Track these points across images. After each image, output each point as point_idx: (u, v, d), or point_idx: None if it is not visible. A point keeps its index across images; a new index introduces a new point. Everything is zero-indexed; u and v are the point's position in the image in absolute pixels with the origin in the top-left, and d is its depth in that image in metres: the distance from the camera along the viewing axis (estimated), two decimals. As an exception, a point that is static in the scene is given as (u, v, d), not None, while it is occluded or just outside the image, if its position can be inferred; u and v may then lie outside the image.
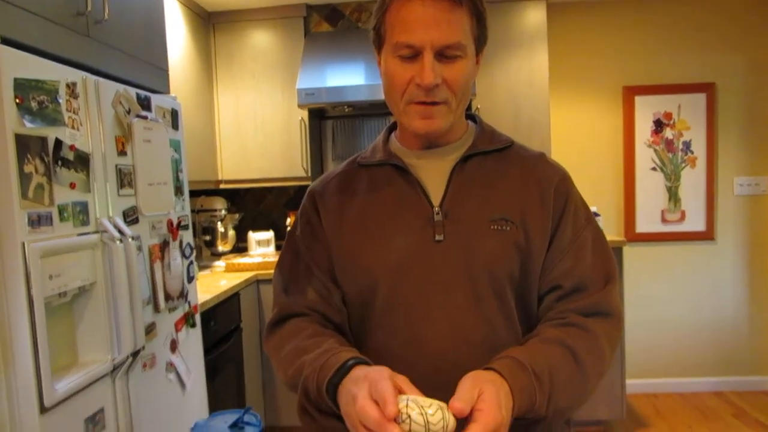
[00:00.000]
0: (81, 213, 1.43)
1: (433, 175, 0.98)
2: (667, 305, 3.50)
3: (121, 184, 1.62)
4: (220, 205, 3.44)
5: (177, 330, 1.89)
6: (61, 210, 1.36)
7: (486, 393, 0.70)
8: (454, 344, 0.91)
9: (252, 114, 3.37)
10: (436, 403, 0.69)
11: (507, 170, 0.98)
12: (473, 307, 0.91)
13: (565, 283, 0.91)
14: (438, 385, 0.90)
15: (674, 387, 3.49)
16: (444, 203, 0.95)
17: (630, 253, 3.43)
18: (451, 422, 0.67)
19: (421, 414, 0.66)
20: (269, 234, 3.54)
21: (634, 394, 3.40)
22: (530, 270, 0.93)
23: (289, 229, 1.06)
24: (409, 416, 0.66)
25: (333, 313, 0.96)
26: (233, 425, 0.56)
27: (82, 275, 1.42)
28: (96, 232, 1.48)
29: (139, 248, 1.66)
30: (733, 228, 3.46)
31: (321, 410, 0.81)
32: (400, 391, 0.71)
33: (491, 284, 0.91)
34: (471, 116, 1.06)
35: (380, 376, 0.71)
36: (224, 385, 2.67)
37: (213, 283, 2.90)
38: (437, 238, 0.93)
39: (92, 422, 1.39)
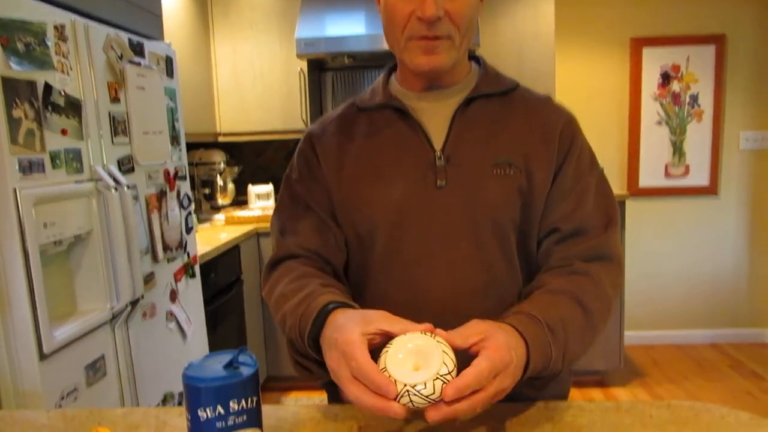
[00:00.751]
0: (74, 160, 1.40)
1: (435, 118, 0.95)
2: (667, 260, 3.50)
3: (115, 132, 1.58)
4: (218, 158, 3.40)
5: (176, 280, 1.89)
6: (53, 157, 1.33)
7: (493, 336, 0.68)
8: (455, 292, 0.89)
9: (250, 65, 3.30)
10: (426, 371, 0.61)
11: (511, 113, 0.94)
12: (475, 254, 0.89)
13: (564, 227, 0.89)
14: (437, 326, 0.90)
15: (671, 339, 3.53)
16: (446, 148, 0.92)
17: (632, 207, 3.41)
18: (438, 389, 0.61)
19: (415, 394, 0.60)
20: (269, 187, 3.52)
21: (631, 346, 3.44)
22: (532, 215, 0.90)
23: (285, 174, 1.02)
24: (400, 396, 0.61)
25: (330, 253, 0.94)
26: (228, 365, 0.55)
27: (78, 224, 1.41)
28: (90, 180, 1.46)
29: (136, 198, 1.64)
30: (737, 183, 3.43)
31: (314, 360, 0.80)
32: (374, 342, 0.66)
33: (494, 231, 0.89)
34: (474, 57, 1.02)
35: (351, 343, 0.63)
36: (225, 335, 2.70)
37: (213, 235, 2.89)
38: (439, 183, 0.90)
39: (92, 369, 1.40)
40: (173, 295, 1.86)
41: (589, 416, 0.84)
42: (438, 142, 0.92)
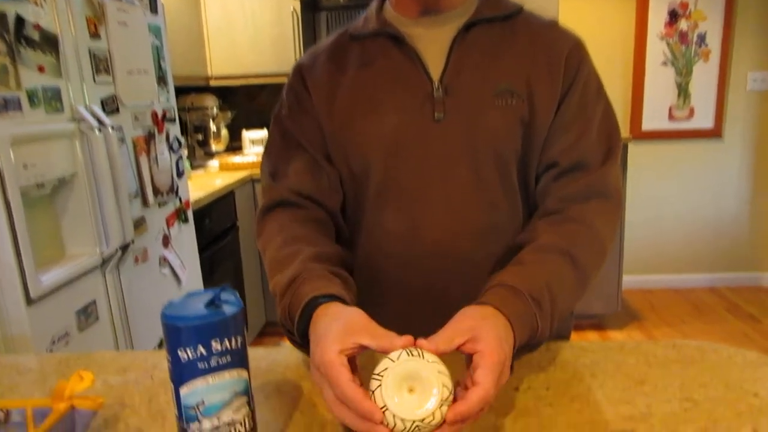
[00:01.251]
0: (53, 99, 1.33)
1: (433, 46, 0.88)
2: (668, 204, 3.46)
3: (97, 70, 1.50)
4: (211, 102, 3.30)
5: (169, 225, 1.85)
6: (31, 95, 1.26)
7: (482, 332, 0.61)
8: (453, 230, 0.85)
9: (240, 5, 3.16)
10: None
11: (514, 39, 0.87)
12: (474, 189, 0.84)
13: (564, 161, 0.84)
14: (434, 270, 0.86)
15: (670, 283, 3.53)
16: (444, 77, 0.85)
17: (635, 151, 3.34)
18: (438, 416, 0.55)
19: (424, 428, 0.55)
20: (263, 132, 3.44)
21: (629, 290, 3.45)
22: (534, 147, 0.85)
23: (275, 112, 0.96)
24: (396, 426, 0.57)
25: (325, 196, 0.88)
26: (209, 303, 0.51)
27: (61, 166, 1.35)
28: (72, 120, 1.39)
29: (122, 140, 1.57)
30: (743, 125, 3.35)
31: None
32: (353, 354, 0.60)
33: (495, 164, 0.84)
34: (474, -19, 0.94)
35: (332, 366, 0.57)
36: (222, 281, 2.68)
37: (207, 182, 2.83)
38: (437, 116, 0.84)
39: (84, 314, 1.37)
40: (166, 240, 1.82)
41: (591, 356, 0.81)
42: (436, 71, 0.86)
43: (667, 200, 3.46)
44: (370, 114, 0.87)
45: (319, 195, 0.88)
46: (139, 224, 1.65)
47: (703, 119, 3.34)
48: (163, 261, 1.80)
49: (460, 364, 0.61)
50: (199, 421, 0.51)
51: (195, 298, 0.55)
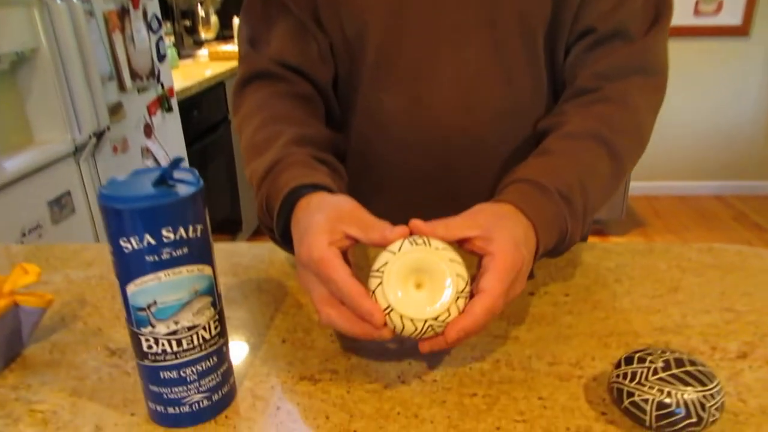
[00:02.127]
0: (5, -42, 1.15)
1: None
2: (682, 107, 3.29)
3: (57, -72, 1.30)
4: (198, -17, 3.04)
5: (151, 114, 1.71)
6: (-24, -50, 1.08)
7: (496, 231, 0.50)
8: (465, 110, 0.72)
9: None
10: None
11: None
12: (492, 62, 0.71)
13: (601, 27, 0.68)
14: (442, 158, 0.74)
15: (675, 190, 3.44)
16: None
17: (652, 48, 3.12)
18: (454, 312, 0.46)
19: (439, 326, 0.46)
20: (256, 20, 3.19)
21: (633, 196, 3.36)
22: (566, 10, 0.70)
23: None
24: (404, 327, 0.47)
25: (313, 67, 0.74)
26: (158, 181, 0.39)
27: (19, 39, 1.19)
28: (29, -15, 1.22)
29: (91, 13, 1.40)
30: (772, 23, 3.12)
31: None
32: (342, 246, 0.49)
33: (519, 30, 0.69)
34: None
35: (323, 261, 0.47)
36: (214, 177, 2.57)
37: (196, 71, 2.66)
38: None
39: (57, 205, 1.27)
40: (148, 130, 1.69)
41: (616, 259, 0.71)
42: None
43: (681, 103, 3.28)
44: None
45: (307, 66, 0.74)
46: (116, 110, 1.51)
47: (731, 15, 3.09)
48: (146, 152, 1.67)
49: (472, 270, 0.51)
50: (151, 325, 0.42)
51: (143, 176, 0.43)
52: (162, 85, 1.78)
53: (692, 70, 3.22)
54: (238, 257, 0.76)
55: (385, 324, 0.46)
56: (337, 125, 0.76)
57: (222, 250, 0.78)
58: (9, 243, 1.18)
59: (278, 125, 0.67)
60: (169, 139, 1.84)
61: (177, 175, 0.43)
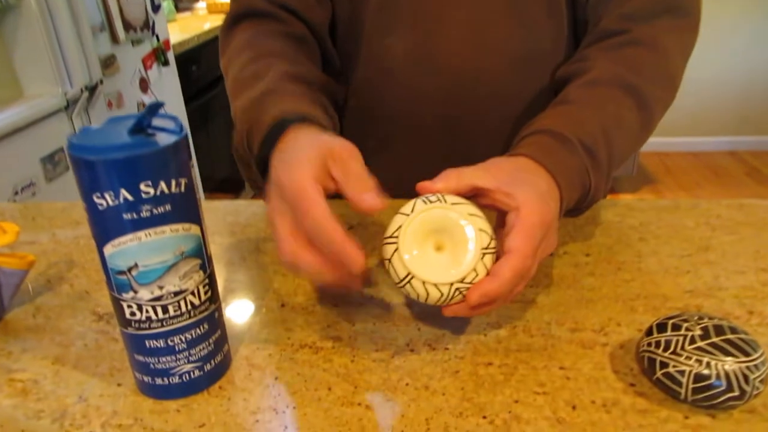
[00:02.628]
0: None
1: None
2: (697, 60, 3.15)
3: None
4: (194, -70, 2.91)
5: (146, 67, 1.64)
6: None
7: (517, 184, 0.44)
8: (479, 54, 0.66)
9: None
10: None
11: None
12: (509, 2, 0.64)
13: None
14: (454, 107, 0.68)
15: (687, 146, 3.35)
16: None
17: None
18: (482, 271, 0.42)
19: (465, 288, 0.41)
20: (255, -30, 3.07)
21: (644, 153, 3.28)
22: None
23: None
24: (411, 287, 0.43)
25: (308, 7, 0.68)
26: (135, 129, 0.34)
27: (2, -16, 1.12)
28: (10, -74, 1.14)
29: (78, -43, 1.32)
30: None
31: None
32: (328, 189, 0.43)
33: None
34: None
35: (302, 191, 0.41)
36: (214, 134, 2.51)
37: (194, 24, 2.57)
38: None
39: (50, 162, 1.22)
40: (144, 84, 1.62)
41: (640, 217, 0.66)
42: None
43: (695, 55, 3.15)
44: None
45: (301, 5, 0.67)
46: (109, 63, 1.45)
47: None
48: (142, 107, 1.61)
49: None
50: (133, 290, 0.38)
51: (120, 124, 0.38)
52: (157, 37, 1.71)
53: (706, 20, 3.07)
54: (235, 215, 0.71)
55: (365, 276, 0.41)
56: (333, 75, 0.70)
57: (218, 208, 0.74)
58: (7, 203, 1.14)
59: (269, 60, 0.61)
60: (167, 95, 1.77)
61: (157, 123, 0.38)
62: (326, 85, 0.65)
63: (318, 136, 0.47)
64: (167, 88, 1.79)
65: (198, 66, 2.35)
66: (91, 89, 1.34)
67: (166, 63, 1.77)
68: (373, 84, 0.70)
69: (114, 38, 1.47)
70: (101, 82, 1.36)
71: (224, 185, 2.68)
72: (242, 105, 0.55)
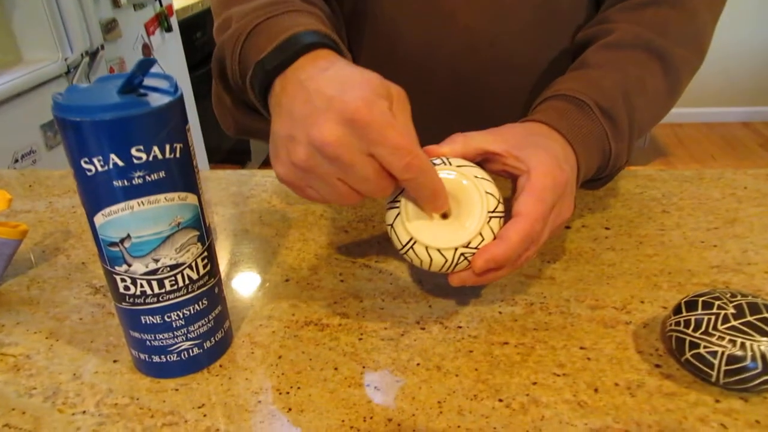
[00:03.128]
0: None
1: None
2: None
3: None
4: None
5: (149, 33, 1.60)
6: None
7: (529, 148, 0.42)
8: (495, 15, 0.62)
9: None
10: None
11: None
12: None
13: None
14: (467, 72, 0.65)
15: (700, 117, 3.28)
16: None
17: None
18: (488, 235, 0.39)
19: (470, 254, 0.39)
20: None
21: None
22: None
23: None
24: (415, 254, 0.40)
25: None
26: (126, 88, 0.31)
27: (-3, -57, 1.08)
28: None
29: None
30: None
31: (240, 98, 0.52)
32: None
33: None
34: None
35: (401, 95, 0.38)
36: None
37: (197, -12, 2.50)
38: None
39: (51, 129, 1.20)
40: (147, 51, 1.58)
41: (661, 188, 0.63)
42: None
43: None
44: None
45: None
46: (111, 28, 1.40)
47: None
48: (145, 74, 1.58)
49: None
50: (126, 263, 0.35)
51: (110, 82, 0.35)
52: (160, 1, 1.66)
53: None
54: (238, 186, 0.69)
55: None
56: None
57: (220, 177, 0.71)
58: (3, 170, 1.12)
59: None
60: (170, 62, 1.73)
61: (150, 82, 0.35)
62: (335, 27, 0.60)
63: (367, 70, 0.39)
64: (170, 54, 1.75)
65: (203, 33, 2.29)
66: (92, 55, 1.30)
67: (169, 29, 1.72)
68: (378, 50, 0.66)
69: (115, 2, 1.42)
70: (102, 47, 1.33)
71: (231, 156, 2.65)
72: (244, 9, 0.47)
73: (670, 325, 0.40)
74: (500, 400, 0.37)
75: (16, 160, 1.12)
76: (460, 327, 0.44)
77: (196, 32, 2.24)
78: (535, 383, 0.38)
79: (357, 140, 0.35)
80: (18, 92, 1.12)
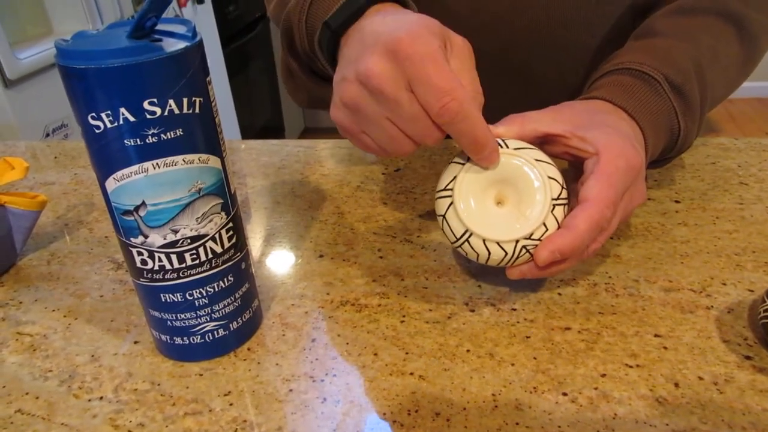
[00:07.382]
0: None
1: None
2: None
3: None
4: None
5: (180, 4, 1.57)
6: None
7: (594, 127, 0.37)
8: (543, 15, 0.56)
9: None
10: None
11: None
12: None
13: None
14: (517, 44, 0.58)
15: (754, 91, 3.10)
16: None
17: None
18: (552, 225, 0.35)
19: (532, 246, 0.35)
20: None
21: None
22: None
23: None
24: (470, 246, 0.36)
25: None
26: (138, 32, 0.27)
27: None
28: None
29: None
30: None
31: (311, 68, 0.51)
32: None
33: None
34: None
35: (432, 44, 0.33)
36: (254, 82, 2.44)
37: (229, -38, 2.46)
38: None
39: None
40: (178, 24, 1.55)
41: (737, 157, 0.57)
42: None
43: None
44: None
45: None
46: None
47: None
48: (177, 48, 1.55)
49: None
50: (143, 234, 0.31)
51: (121, 29, 0.31)
52: (191, -28, 1.63)
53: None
54: (268, 156, 0.64)
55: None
56: None
57: (250, 147, 0.67)
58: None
59: None
60: (203, 35, 1.70)
61: (164, 27, 0.31)
62: None
63: (430, 18, 0.36)
64: (203, 28, 1.72)
65: (236, 5, 2.26)
66: (123, 26, 1.28)
67: (201, 1, 1.69)
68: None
69: (145, -27, 1.39)
70: (133, 17, 1.30)
71: (264, 133, 2.63)
72: None
73: (763, 311, 0.34)
74: (564, 394, 0.32)
75: (48, 134, 1.10)
76: (515, 309, 0.39)
77: (229, 5, 2.20)
78: (604, 375, 0.33)
79: (400, 74, 0.32)
80: (49, 64, 1.10)
